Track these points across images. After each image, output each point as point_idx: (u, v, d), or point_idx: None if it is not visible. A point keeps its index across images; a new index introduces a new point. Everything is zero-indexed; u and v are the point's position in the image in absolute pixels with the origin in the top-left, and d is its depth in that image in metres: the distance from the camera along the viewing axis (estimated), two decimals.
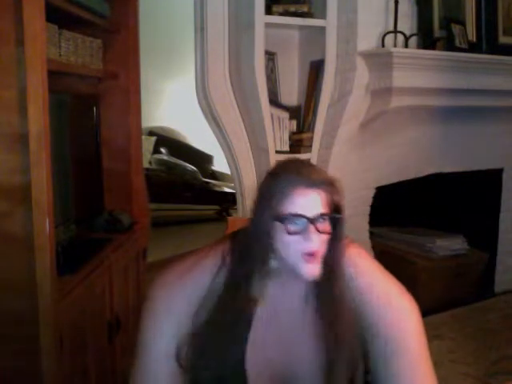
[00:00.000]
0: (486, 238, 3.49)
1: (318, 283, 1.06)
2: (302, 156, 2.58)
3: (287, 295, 1.10)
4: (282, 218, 0.99)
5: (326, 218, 1.01)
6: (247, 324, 1.08)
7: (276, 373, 1.10)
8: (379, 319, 1.08)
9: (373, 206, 2.94)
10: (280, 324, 1.10)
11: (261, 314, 1.08)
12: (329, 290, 1.07)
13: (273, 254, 1.04)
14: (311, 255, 1.00)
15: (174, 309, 1.08)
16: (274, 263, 1.06)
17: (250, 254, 1.04)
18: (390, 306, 1.09)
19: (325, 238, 1.02)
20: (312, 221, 0.99)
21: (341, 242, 1.07)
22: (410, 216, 3.35)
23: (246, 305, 1.06)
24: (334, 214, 1.03)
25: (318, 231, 1.00)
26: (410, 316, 1.09)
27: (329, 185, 1.03)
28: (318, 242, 1.00)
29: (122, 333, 2.04)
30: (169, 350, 1.06)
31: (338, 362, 1.07)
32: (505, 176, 3.48)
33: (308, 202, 1.00)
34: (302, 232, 0.99)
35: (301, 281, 1.05)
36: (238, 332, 1.07)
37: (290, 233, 0.99)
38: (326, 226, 1.02)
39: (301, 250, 1.00)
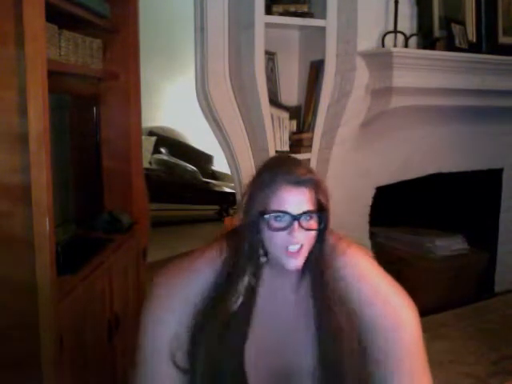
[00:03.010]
0: (486, 238, 3.49)
1: (309, 274, 1.09)
2: (302, 156, 2.58)
3: (281, 287, 1.11)
4: (268, 214, 1.02)
5: (311, 215, 1.03)
6: (246, 318, 1.08)
7: (273, 367, 1.11)
8: (377, 320, 1.08)
9: (373, 206, 2.94)
10: (277, 316, 1.11)
11: (258, 307, 1.09)
12: (319, 280, 1.09)
13: (262, 248, 1.07)
14: (294, 251, 1.03)
15: (173, 308, 1.08)
16: (263, 257, 1.08)
17: (241, 248, 1.07)
18: (388, 304, 1.09)
19: (310, 234, 1.05)
20: (296, 218, 1.01)
21: (326, 236, 1.09)
22: (410, 216, 3.35)
23: (243, 298, 1.07)
24: (319, 211, 1.05)
25: (303, 228, 1.02)
26: (407, 318, 1.10)
27: (314, 183, 1.05)
28: (301, 239, 1.03)
29: (121, 333, 2.04)
30: (169, 350, 1.07)
31: (335, 355, 1.07)
32: (505, 176, 3.48)
33: (293, 199, 1.02)
34: (286, 228, 1.02)
35: (291, 272, 1.08)
36: (236, 326, 1.07)
37: (273, 229, 1.02)
38: (311, 223, 1.04)
39: (284, 246, 1.03)
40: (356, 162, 2.79)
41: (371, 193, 2.91)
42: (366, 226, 2.96)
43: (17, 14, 1.40)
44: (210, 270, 1.09)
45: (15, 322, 1.51)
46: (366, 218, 2.95)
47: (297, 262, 1.04)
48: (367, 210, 2.93)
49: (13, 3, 1.40)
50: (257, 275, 1.09)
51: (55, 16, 1.68)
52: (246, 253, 1.07)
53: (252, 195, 1.06)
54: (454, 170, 3.19)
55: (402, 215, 3.31)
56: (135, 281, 2.28)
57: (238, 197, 2.73)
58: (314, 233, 1.05)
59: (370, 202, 2.92)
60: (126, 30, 2.23)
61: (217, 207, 5.51)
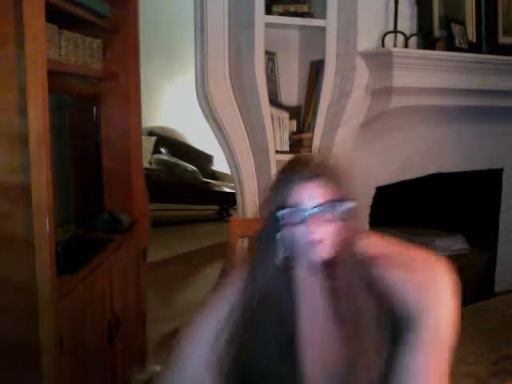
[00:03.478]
0: (486, 238, 3.49)
1: (335, 274, 1.06)
2: None
3: (311, 289, 1.09)
4: (284, 210, 1.03)
5: (327, 207, 1.02)
6: (289, 323, 1.07)
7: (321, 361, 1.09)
8: (409, 304, 1.07)
9: (373, 206, 2.93)
10: (314, 313, 1.09)
11: (298, 309, 1.08)
12: (347, 272, 1.06)
13: (284, 248, 1.06)
14: (316, 242, 1.02)
15: (213, 319, 1.10)
16: (287, 258, 1.07)
17: (263, 250, 1.08)
18: (422, 290, 1.10)
19: (330, 227, 1.03)
20: (309, 211, 1.02)
21: (354, 227, 1.06)
22: (410, 216, 3.34)
23: (279, 304, 1.07)
24: (336, 202, 1.03)
25: (320, 221, 1.02)
26: (444, 302, 1.12)
27: (331, 176, 1.04)
28: (320, 232, 1.02)
29: (121, 333, 2.04)
30: (208, 361, 1.08)
31: (360, 358, 1.04)
32: (505, 176, 3.48)
33: (306, 193, 1.02)
34: (301, 223, 1.02)
35: (318, 271, 1.06)
36: (276, 333, 1.07)
37: (289, 224, 1.03)
38: (327, 215, 1.02)
39: (305, 240, 1.03)
40: (356, 162, 2.79)
41: (371, 193, 2.91)
42: (366, 226, 2.96)
43: (17, 13, 1.40)
44: (230, 304, 1.09)
45: (15, 322, 1.51)
46: (366, 218, 2.95)
47: (322, 252, 1.03)
48: (367, 210, 2.93)
49: (13, 3, 1.40)
50: (286, 280, 1.08)
51: (55, 16, 1.69)
52: (268, 253, 1.07)
53: (271, 195, 1.07)
54: (454, 170, 3.19)
55: (402, 215, 3.31)
56: (135, 281, 2.28)
57: (238, 197, 2.72)
58: (334, 226, 1.03)
59: (370, 201, 2.92)
60: (125, 29, 2.23)
61: (217, 207, 5.51)
